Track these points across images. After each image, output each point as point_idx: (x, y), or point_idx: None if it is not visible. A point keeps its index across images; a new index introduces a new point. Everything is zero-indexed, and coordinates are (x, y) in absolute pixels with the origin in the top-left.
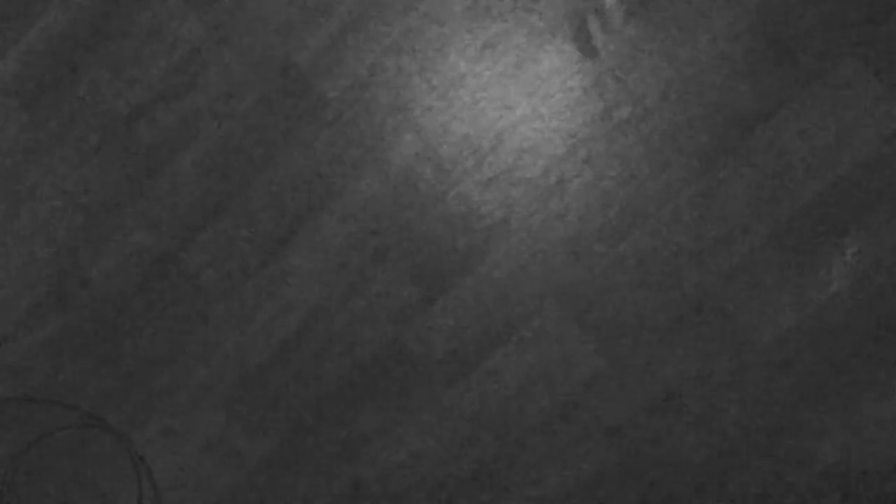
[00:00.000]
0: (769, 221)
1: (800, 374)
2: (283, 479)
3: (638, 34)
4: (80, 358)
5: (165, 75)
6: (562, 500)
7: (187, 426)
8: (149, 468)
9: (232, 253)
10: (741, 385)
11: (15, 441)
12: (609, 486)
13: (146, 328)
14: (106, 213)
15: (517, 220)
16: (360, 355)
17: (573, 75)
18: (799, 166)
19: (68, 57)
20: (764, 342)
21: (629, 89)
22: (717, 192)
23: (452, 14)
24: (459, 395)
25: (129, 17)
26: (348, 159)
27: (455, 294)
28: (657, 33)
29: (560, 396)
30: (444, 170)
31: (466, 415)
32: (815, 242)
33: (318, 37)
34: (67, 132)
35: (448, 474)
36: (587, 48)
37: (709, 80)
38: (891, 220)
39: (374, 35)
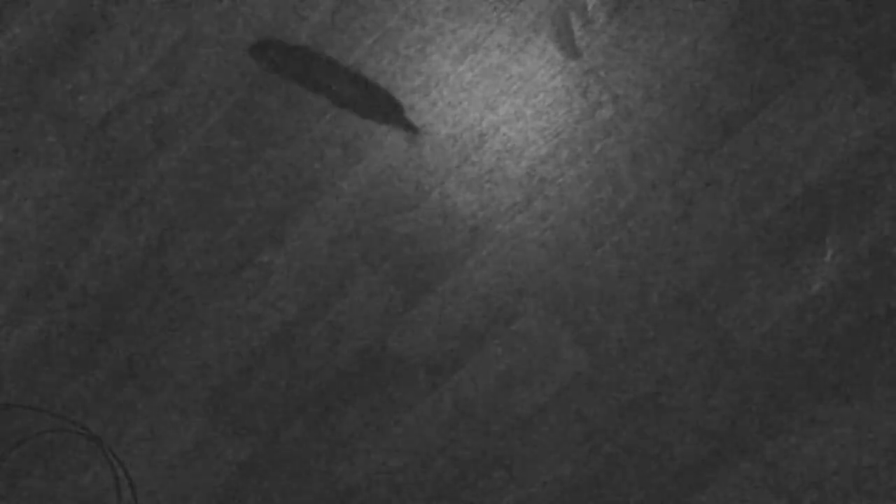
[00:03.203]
0: (751, 222)
1: (782, 375)
2: (264, 483)
3: (621, 34)
4: (58, 362)
5: (144, 75)
6: (545, 501)
7: (167, 430)
8: (128, 473)
9: (213, 255)
10: (724, 385)
11: None
12: (592, 486)
13: (125, 331)
14: (84, 215)
15: (500, 220)
16: (342, 357)
17: (556, 75)
18: (781, 166)
19: (46, 58)
20: (746, 342)
21: (612, 89)
22: (699, 192)
23: (434, 14)
24: (442, 397)
25: (107, 16)
26: (330, 159)
27: (438, 295)
28: (640, 33)
29: (543, 396)
30: (427, 170)
31: (449, 416)
32: (796, 243)
33: (299, 37)
34: (45, 134)
35: (430, 476)
36: (570, 48)
37: (691, 80)
38: (871, 219)
39: (355, 35)
